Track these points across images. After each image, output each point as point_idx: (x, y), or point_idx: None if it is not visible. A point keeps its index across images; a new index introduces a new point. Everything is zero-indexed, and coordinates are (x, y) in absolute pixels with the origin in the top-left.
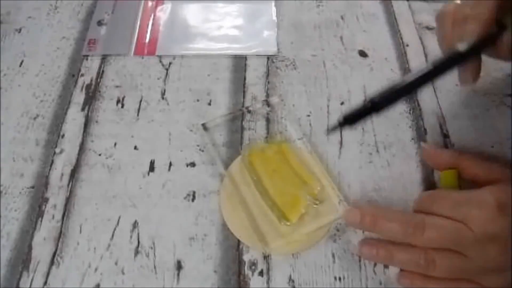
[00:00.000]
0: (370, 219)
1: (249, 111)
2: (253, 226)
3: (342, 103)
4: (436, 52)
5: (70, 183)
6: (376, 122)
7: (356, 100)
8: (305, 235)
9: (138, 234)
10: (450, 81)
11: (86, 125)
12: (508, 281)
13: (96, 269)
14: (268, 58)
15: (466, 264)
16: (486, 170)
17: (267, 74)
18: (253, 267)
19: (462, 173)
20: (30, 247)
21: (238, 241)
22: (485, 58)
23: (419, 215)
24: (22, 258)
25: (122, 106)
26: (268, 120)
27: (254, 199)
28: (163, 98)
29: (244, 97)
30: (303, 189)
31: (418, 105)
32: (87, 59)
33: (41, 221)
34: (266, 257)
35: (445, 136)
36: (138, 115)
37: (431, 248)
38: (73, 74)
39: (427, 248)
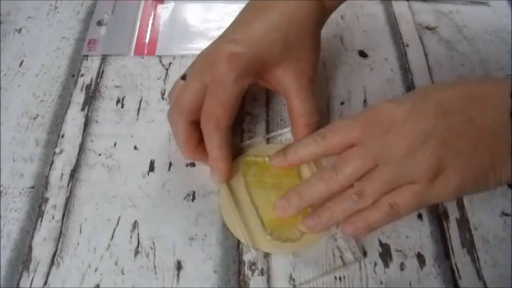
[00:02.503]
0: (296, 201)
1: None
2: (246, 227)
3: (342, 103)
4: (436, 52)
5: (70, 183)
6: None
7: (356, 100)
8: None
9: (138, 234)
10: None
11: (86, 125)
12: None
13: (96, 269)
14: None
15: (384, 172)
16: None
17: None
18: (253, 267)
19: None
20: (30, 247)
21: (238, 241)
22: (485, 58)
23: (326, 166)
24: (22, 259)
25: (122, 106)
26: (267, 123)
27: (248, 201)
28: (163, 98)
29: (244, 97)
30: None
31: None
32: (87, 59)
33: (41, 221)
34: (266, 256)
35: None
36: (138, 115)
37: (354, 181)
38: (73, 74)
39: (351, 184)
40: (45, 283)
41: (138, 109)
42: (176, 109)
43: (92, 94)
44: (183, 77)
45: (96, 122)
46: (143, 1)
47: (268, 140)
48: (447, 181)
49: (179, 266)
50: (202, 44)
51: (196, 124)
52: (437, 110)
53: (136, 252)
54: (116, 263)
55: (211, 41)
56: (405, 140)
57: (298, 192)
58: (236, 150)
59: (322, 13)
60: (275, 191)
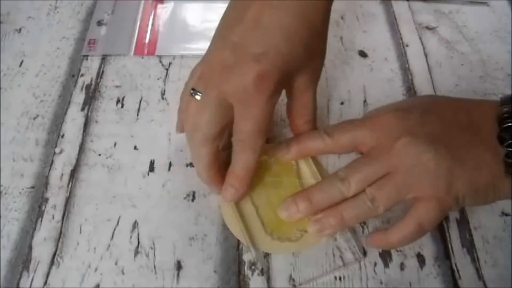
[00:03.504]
0: (305, 206)
1: None
2: (246, 227)
3: (342, 103)
4: (436, 52)
5: (70, 183)
6: None
7: (356, 100)
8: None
9: (138, 234)
10: (450, 81)
11: (86, 125)
12: (441, 176)
13: (96, 269)
14: None
15: (396, 178)
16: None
17: None
18: (253, 267)
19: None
20: (30, 248)
21: (238, 241)
22: (485, 58)
23: (337, 172)
24: (22, 259)
25: (122, 106)
26: None
27: (248, 201)
28: (163, 98)
29: None
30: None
31: None
32: (87, 59)
33: (41, 221)
34: (266, 256)
35: None
36: (138, 115)
37: (365, 187)
38: (73, 74)
39: (363, 190)
40: (45, 283)
41: (138, 109)
42: (199, 134)
43: (92, 94)
44: (194, 93)
45: (96, 122)
46: (143, 1)
47: (268, 140)
48: (455, 191)
49: (179, 266)
50: (202, 44)
51: (218, 147)
52: (443, 124)
53: (136, 252)
54: (116, 263)
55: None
56: (415, 150)
57: (308, 197)
58: None
59: (329, 8)
60: (274, 191)
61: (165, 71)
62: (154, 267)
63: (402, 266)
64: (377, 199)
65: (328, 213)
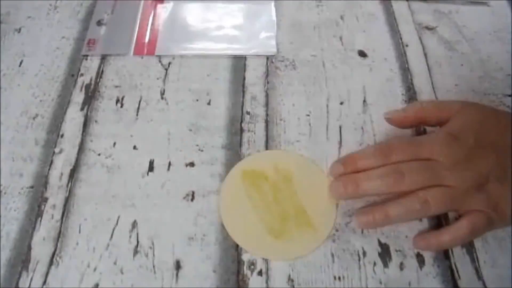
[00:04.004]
0: (352, 187)
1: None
2: (246, 233)
3: (341, 103)
4: (435, 52)
5: (70, 183)
6: (376, 122)
7: (355, 100)
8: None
9: (137, 234)
10: (450, 81)
11: (86, 124)
12: (490, 195)
13: (95, 269)
14: (267, 58)
15: (452, 192)
16: (442, 108)
17: (267, 74)
18: (252, 267)
19: (429, 122)
20: (29, 247)
21: None
22: (485, 58)
23: (393, 166)
24: (21, 258)
25: (122, 106)
26: (267, 122)
27: (247, 207)
28: (162, 98)
29: (243, 97)
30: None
31: None
32: (86, 59)
33: (40, 221)
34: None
35: None
36: (137, 115)
37: (418, 189)
38: (72, 74)
39: (415, 191)
40: (44, 282)
41: (138, 109)
42: None
43: (91, 94)
44: None
45: (96, 121)
46: (142, 1)
47: (267, 143)
48: (502, 211)
49: (178, 266)
50: (201, 44)
51: None
52: (494, 152)
53: (135, 252)
54: (115, 263)
55: (211, 41)
56: (474, 174)
57: (356, 181)
58: (234, 155)
59: None
60: (273, 198)
61: (165, 71)
62: (153, 266)
63: (401, 266)
64: (430, 203)
65: (374, 209)
